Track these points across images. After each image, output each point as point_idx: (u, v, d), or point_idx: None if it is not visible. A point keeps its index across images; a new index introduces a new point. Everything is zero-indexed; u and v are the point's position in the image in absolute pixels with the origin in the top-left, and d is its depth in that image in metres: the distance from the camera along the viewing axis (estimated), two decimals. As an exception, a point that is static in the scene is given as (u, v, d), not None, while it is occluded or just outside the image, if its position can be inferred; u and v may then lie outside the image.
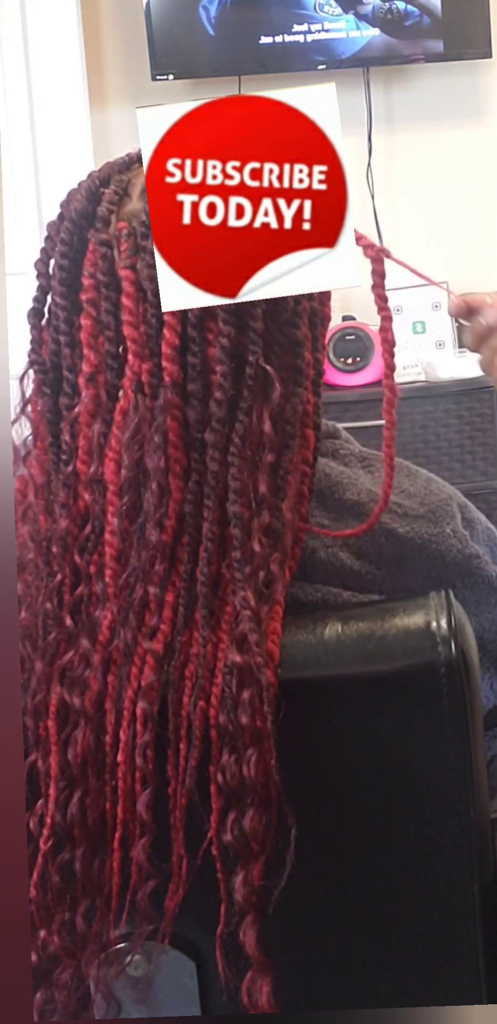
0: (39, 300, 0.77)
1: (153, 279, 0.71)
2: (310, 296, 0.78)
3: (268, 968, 0.70)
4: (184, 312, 0.71)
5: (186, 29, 2.59)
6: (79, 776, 0.72)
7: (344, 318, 2.59)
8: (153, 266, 0.71)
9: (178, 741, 0.71)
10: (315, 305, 0.79)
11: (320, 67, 2.67)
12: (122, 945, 0.76)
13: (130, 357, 0.72)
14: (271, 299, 0.73)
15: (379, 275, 0.75)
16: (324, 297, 0.81)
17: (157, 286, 0.71)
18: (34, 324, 0.77)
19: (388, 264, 0.76)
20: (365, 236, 0.75)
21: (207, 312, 0.71)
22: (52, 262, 0.76)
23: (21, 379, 0.78)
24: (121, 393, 0.73)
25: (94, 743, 0.72)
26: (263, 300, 0.72)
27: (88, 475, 0.73)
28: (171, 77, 2.62)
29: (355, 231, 0.73)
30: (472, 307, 0.86)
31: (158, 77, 2.61)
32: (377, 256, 0.75)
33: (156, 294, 0.71)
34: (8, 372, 0.67)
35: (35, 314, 0.77)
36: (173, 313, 0.71)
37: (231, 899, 0.70)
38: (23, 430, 0.78)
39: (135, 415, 0.72)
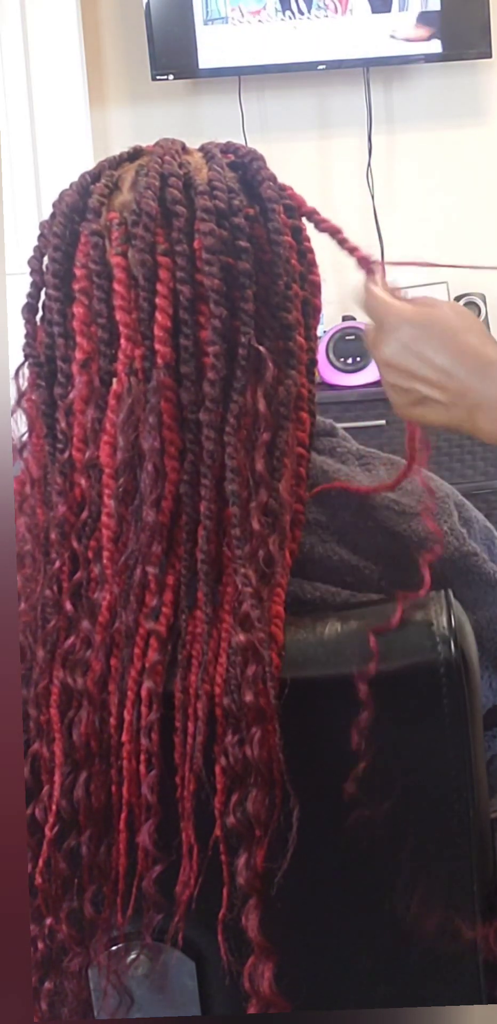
0: (33, 296, 0.79)
1: (144, 264, 0.72)
2: (301, 284, 0.79)
3: (270, 953, 0.70)
4: (175, 295, 0.72)
5: (186, 29, 2.58)
6: (84, 758, 0.72)
7: (344, 318, 2.59)
8: (144, 252, 0.72)
9: (186, 722, 0.71)
10: (306, 294, 0.81)
11: (320, 67, 2.67)
12: (124, 944, 0.76)
13: (123, 342, 0.74)
14: (261, 283, 0.75)
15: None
16: (314, 289, 0.82)
17: (148, 271, 0.72)
18: (28, 319, 0.79)
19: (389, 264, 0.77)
20: (359, 249, 0.81)
21: (198, 295, 0.73)
22: (45, 258, 0.77)
23: (16, 374, 0.78)
24: (115, 379, 0.74)
25: (98, 725, 0.72)
26: (254, 284, 0.74)
27: (84, 460, 0.74)
28: (171, 77, 2.62)
29: (349, 243, 0.80)
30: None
31: (158, 77, 2.61)
32: (370, 268, 0.80)
33: (147, 279, 0.73)
34: (8, 371, 0.68)
35: (29, 309, 0.79)
36: (165, 297, 0.72)
37: (234, 883, 0.70)
38: (19, 427, 0.79)
39: (129, 398, 0.73)
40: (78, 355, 0.75)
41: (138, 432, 0.72)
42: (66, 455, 0.75)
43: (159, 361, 0.72)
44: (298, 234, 0.80)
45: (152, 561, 0.72)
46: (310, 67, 2.67)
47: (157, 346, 0.72)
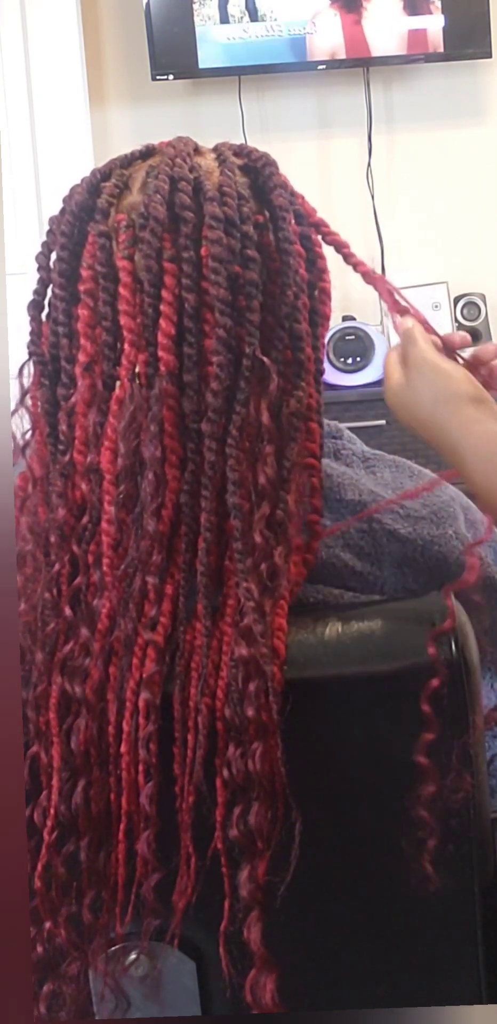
0: (39, 293, 0.78)
1: (150, 270, 0.72)
2: (310, 294, 0.79)
3: (272, 965, 0.70)
4: (181, 302, 0.72)
5: (186, 29, 2.58)
6: (82, 766, 0.72)
7: (344, 318, 2.59)
8: (151, 257, 0.72)
9: (185, 733, 0.71)
10: (315, 303, 0.79)
11: (320, 67, 2.67)
12: (123, 944, 0.76)
13: (126, 347, 0.73)
14: (270, 293, 0.74)
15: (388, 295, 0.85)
16: (323, 296, 0.81)
17: (154, 277, 0.72)
18: (34, 316, 0.78)
19: (388, 264, 0.78)
20: (363, 264, 0.84)
21: (204, 303, 0.72)
22: (53, 254, 0.77)
23: (20, 371, 0.78)
24: (118, 383, 0.73)
25: (97, 733, 0.72)
26: (260, 294, 0.73)
27: (85, 464, 0.73)
28: (171, 77, 2.62)
29: (355, 258, 0.83)
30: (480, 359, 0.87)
31: (158, 77, 2.61)
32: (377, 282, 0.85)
33: (153, 284, 0.72)
34: (8, 371, 0.67)
35: (35, 306, 0.78)
36: (169, 303, 0.71)
37: (235, 895, 0.70)
38: (23, 424, 0.78)
39: (131, 404, 0.72)
40: (81, 357, 0.74)
41: (139, 439, 0.72)
42: (67, 458, 0.74)
43: (162, 368, 0.71)
44: (308, 241, 0.79)
45: (151, 570, 0.71)
46: (310, 67, 2.67)
47: (160, 353, 0.71)
